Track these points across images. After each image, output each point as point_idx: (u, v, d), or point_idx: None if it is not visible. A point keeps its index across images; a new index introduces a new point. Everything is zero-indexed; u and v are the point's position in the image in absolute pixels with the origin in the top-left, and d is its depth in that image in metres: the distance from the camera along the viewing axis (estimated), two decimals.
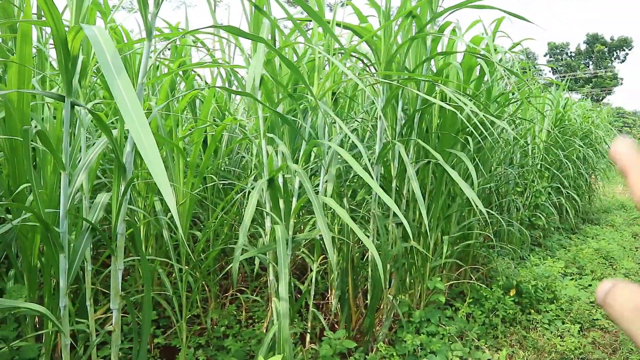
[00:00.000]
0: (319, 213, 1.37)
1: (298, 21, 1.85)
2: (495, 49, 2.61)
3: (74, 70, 0.99)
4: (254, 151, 2.15)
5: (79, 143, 1.34)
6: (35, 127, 1.29)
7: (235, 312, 2.50)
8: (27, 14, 1.21)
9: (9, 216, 1.33)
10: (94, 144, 1.41)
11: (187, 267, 2.26)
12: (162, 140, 1.58)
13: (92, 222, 1.11)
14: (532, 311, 3.00)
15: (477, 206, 1.80)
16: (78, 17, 1.02)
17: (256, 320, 2.47)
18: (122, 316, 2.27)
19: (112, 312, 1.25)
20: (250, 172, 2.38)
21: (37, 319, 1.67)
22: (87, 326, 1.45)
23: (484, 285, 2.94)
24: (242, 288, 2.62)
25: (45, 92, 1.00)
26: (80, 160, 1.32)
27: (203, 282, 2.43)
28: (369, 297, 2.33)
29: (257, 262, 2.41)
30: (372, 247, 1.53)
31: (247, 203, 1.54)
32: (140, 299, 2.28)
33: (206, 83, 1.92)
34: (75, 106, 1.08)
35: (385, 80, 1.78)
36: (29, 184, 1.25)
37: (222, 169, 2.70)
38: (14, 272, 1.42)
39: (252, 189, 1.54)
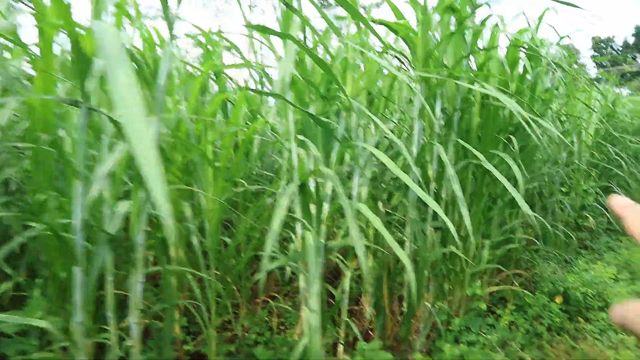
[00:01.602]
0: (351, 220, 1.29)
1: (332, 20, 1.77)
2: (541, 42, 2.46)
3: (88, 73, 0.94)
4: (286, 155, 2.09)
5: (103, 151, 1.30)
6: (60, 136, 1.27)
7: (267, 318, 2.44)
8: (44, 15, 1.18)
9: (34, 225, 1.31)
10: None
11: (216, 272, 2.22)
12: (189, 146, 1.54)
13: (112, 232, 1.07)
14: (581, 320, 2.81)
15: (522, 208, 1.67)
16: (97, 18, 0.98)
17: (288, 327, 2.41)
18: (153, 322, 2.26)
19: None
20: (282, 176, 2.32)
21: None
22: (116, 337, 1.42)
23: (527, 292, 2.78)
24: (274, 294, 2.56)
25: (57, 98, 0.96)
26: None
27: (235, 288, 2.39)
28: (405, 305, 2.23)
29: (288, 267, 2.35)
30: (404, 256, 1.43)
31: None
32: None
33: (238, 86, 1.86)
34: (97, 112, 1.04)
35: (424, 74, 1.67)
36: (55, 194, 1.23)
37: (255, 173, 2.65)
38: (42, 282, 1.41)
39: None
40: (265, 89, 2.51)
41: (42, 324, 1.02)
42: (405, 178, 1.44)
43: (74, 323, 1.05)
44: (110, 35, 0.66)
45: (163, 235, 1.87)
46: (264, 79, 2.13)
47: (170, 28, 1.04)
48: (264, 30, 1.20)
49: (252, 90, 1.70)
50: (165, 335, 1.22)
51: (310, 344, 1.33)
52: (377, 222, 1.47)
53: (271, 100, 2.99)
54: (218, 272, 1.89)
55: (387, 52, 1.91)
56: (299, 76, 1.43)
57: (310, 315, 1.35)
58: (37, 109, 1.23)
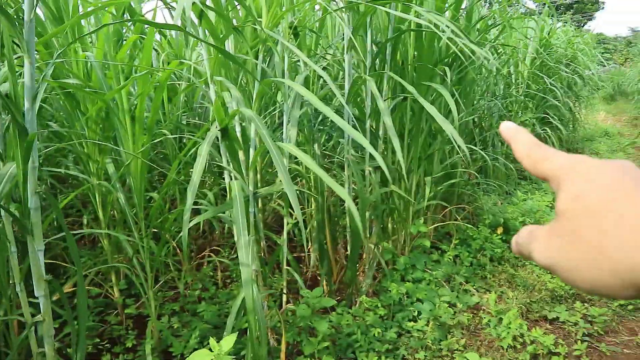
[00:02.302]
0: (278, 163, 1.19)
1: None
2: None
3: None
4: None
5: None
6: None
7: (212, 273, 2.36)
8: None
9: None
10: None
11: (154, 231, 2.09)
12: (99, 96, 1.36)
13: None
14: None
15: (456, 141, 1.63)
16: None
17: (235, 280, 2.34)
18: (91, 288, 2.12)
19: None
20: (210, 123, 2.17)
21: None
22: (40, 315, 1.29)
23: (470, 225, 2.83)
24: (217, 248, 2.47)
25: None
26: None
27: (174, 245, 2.27)
28: (349, 248, 2.20)
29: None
30: (346, 196, 1.36)
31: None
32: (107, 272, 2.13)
33: (142, 21, 1.64)
34: None
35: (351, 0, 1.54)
36: None
37: (186, 122, 2.47)
38: None
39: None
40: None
41: None
42: (334, 116, 1.35)
43: None
44: None
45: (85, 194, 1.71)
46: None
47: None
48: None
49: (146, 22, 1.50)
50: (81, 303, 1.10)
51: (246, 299, 1.25)
52: (311, 164, 1.38)
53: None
54: (155, 230, 1.76)
55: None
56: (210, 8, 1.26)
57: (242, 268, 1.26)
58: None
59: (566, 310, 2.25)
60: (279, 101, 2.38)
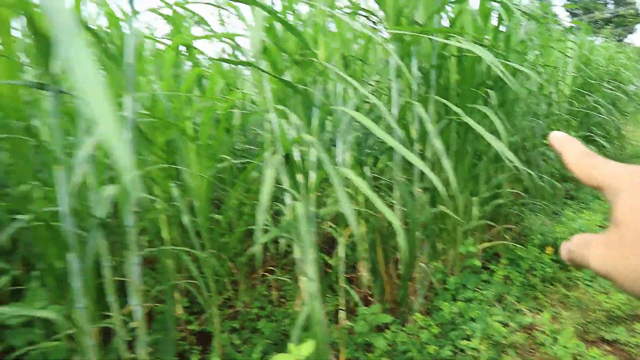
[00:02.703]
0: (338, 186, 1.29)
1: None
2: None
3: (51, 54, 0.91)
4: (268, 126, 2.06)
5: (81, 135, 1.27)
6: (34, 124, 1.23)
7: (266, 292, 2.46)
8: None
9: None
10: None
11: (211, 251, 2.21)
12: (168, 124, 1.51)
13: (101, 217, 1.05)
14: (572, 268, 2.87)
15: (509, 158, 1.69)
16: None
17: (288, 299, 2.43)
18: (156, 305, 2.25)
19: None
20: (267, 148, 2.30)
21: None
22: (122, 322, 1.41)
23: (519, 245, 2.83)
24: (271, 268, 2.57)
25: (22, 82, 0.93)
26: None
27: (231, 265, 2.39)
28: (400, 267, 2.25)
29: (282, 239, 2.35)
30: (394, 219, 1.44)
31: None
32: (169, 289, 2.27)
33: (210, 59, 1.82)
34: (66, 95, 1.01)
35: (397, 32, 1.65)
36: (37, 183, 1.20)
37: (239, 148, 2.62)
38: (39, 273, 1.39)
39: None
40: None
41: (46, 313, 1.01)
42: (389, 139, 1.44)
43: (77, 309, 1.04)
44: (59, 8, 0.62)
45: (154, 217, 1.86)
46: (236, 51, 2.09)
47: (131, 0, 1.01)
48: None
49: (224, 60, 1.66)
50: (168, 314, 1.22)
51: (312, 312, 1.34)
52: (364, 187, 1.47)
53: (247, 73, 2.94)
54: (213, 251, 1.88)
55: (357, 14, 1.88)
56: (272, 43, 1.40)
57: (308, 283, 1.35)
58: (5, 96, 1.20)
59: (626, 332, 2.20)
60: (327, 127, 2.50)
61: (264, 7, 1.13)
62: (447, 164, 1.66)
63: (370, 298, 2.38)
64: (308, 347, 0.96)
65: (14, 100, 1.14)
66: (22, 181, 1.39)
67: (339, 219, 2.05)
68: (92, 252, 1.06)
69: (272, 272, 2.54)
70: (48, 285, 1.32)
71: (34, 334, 1.19)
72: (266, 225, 2.26)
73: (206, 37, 1.81)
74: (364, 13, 1.98)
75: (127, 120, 1.06)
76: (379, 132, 1.46)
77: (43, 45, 0.94)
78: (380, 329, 2.09)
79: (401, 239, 1.43)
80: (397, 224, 1.46)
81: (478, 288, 2.45)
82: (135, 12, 1.06)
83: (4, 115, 1.17)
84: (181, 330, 2.17)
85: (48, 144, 1.05)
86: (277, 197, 2.03)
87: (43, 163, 1.43)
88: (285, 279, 2.36)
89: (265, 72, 1.19)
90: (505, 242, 2.79)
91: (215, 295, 1.89)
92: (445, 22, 2.25)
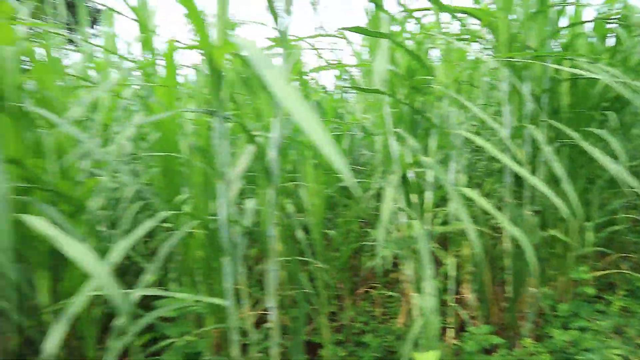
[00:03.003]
0: (459, 205, 1.36)
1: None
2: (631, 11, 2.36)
3: (220, 85, 1.10)
4: (378, 148, 2.19)
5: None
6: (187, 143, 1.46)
7: (370, 308, 2.54)
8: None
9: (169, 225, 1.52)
10: (233, 153, 1.54)
11: (324, 265, 2.36)
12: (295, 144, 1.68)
13: (247, 226, 1.23)
14: None
15: (628, 183, 1.64)
16: (222, 35, 1.14)
17: (391, 316, 2.49)
18: (264, 313, 2.44)
19: (266, 311, 1.36)
20: (373, 169, 2.42)
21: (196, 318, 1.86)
22: (250, 324, 1.58)
23: (637, 274, 2.64)
24: (373, 285, 2.66)
25: (200, 110, 1.13)
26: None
27: (337, 280, 2.51)
28: (507, 290, 2.22)
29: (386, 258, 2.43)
30: (519, 235, 1.47)
31: (379, 200, 1.58)
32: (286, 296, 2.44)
33: (320, 86, 2.00)
34: (231, 120, 1.20)
35: (509, 59, 1.70)
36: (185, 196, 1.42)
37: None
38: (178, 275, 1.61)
39: (381, 186, 1.57)
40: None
41: (200, 308, 1.19)
42: (504, 159, 1.49)
43: (227, 307, 1.21)
44: (259, 54, 0.79)
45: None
46: (344, 76, 2.26)
47: (284, 37, 1.19)
48: (360, 31, 1.31)
49: (355, 88, 1.81)
50: (298, 320, 1.36)
51: (426, 328, 1.41)
52: (485, 204, 1.53)
53: (348, 97, 3.13)
54: (324, 266, 2.02)
55: (475, 41, 1.95)
56: (394, 70, 1.52)
57: (425, 298, 1.42)
58: (166, 122, 1.44)
59: None
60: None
61: (395, 42, 1.25)
62: (569, 187, 1.66)
63: (473, 320, 2.37)
64: (434, 355, 1.03)
65: (171, 123, 1.37)
66: (173, 194, 1.64)
67: (446, 238, 2.09)
68: (241, 257, 1.23)
69: (374, 288, 2.62)
70: (197, 286, 1.53)
71: (187, 325, 1.39)
72: (374, 242, 2.36)
73: (323, 68, 1.98)
74: (472, 37, 2.05)
75: (274, 140, 1.23)
76: (496, 152, 1.51)
77: (215, 77, 1.14)
78: (487, 351, 2.08)
79: (528, 254, 1.45)
80: (521, 237, 1.49)
81: (592, 318, 2.33)
82: (285, 41, 1.24)
83: (165, 136, 1.41)
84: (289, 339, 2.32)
85: (209, 162, 1.24)
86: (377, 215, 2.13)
87: (187, 178, 1.67)
88: (391, 293, 2.44)
89: (393, 96, 1.30)
90: (621, 270, 2.63)
91: (326, 305, 2.02)
92: (557, 44, 2.24)
